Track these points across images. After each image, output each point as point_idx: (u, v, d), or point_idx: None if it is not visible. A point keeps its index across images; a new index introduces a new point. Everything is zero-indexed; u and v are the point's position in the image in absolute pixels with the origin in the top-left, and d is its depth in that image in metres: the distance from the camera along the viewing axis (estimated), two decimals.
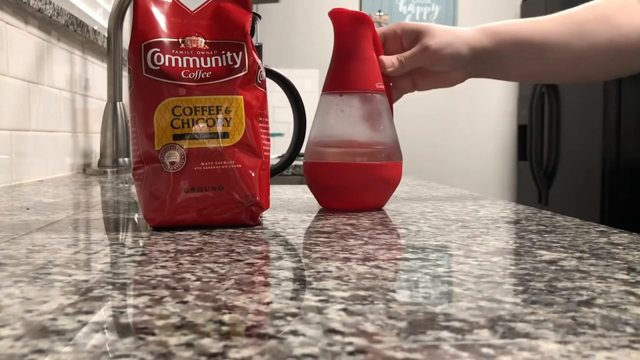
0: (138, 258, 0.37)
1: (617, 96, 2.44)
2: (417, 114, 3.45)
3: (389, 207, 0.65)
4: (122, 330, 0.23)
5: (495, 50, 0.69)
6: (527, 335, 0.23)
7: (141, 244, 0.42)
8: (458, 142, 3.52)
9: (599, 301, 0.28)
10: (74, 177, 1.12)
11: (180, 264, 0.36)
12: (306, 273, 0.34)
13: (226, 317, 0.25)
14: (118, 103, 1.27)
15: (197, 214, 0.49)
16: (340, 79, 0.63)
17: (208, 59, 0.50)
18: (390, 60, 0.67)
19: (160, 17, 0.50)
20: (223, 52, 0.50)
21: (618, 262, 0.37)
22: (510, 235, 0.48)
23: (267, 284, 0.31)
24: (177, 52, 0.49)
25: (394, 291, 0.30)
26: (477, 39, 0.69)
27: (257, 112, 0.51)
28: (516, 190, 3.46)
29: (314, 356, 0.21)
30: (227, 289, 0.30)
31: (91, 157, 1.37)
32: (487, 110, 3.52)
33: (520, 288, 0.31)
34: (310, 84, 3.41)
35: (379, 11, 3.44)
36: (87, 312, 0.26)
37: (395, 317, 0.25)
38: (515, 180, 3.50)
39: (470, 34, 0.69)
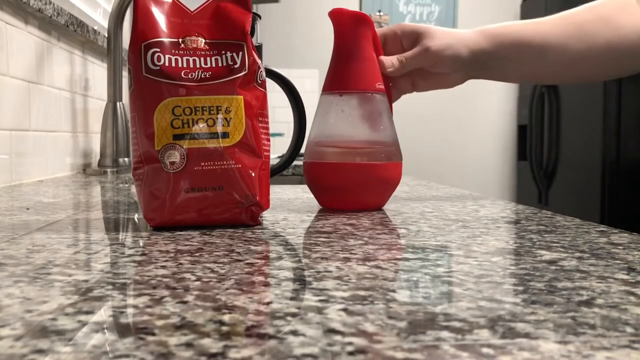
0: (138, 258, 0.37)
1: (617, 96, 2.44)
2: (417, 114, 3.45)
3: (389, 207, 0.65)
4: (122, 330, 0.23)
5: (494, 52, 0.69)
6: (527, 335, 0.23)
7: (141, 244, 0.42)
8: (458, 142, 3.52)
9: (599, 301, 0.28)
10: (74, 177, 1.12)
11: (180, 264, 0.36)
12: (306, 273, 0.34)
13: (226, 317, 0.25)
14: (118, 103, 1.27)
15: (197, 214, 0.49)
16: (340, 79, 0.63)
17: (208, 59, 0.50)
18: (390, 61, 0.67)
19: (160, 17, 0.50)
20: (223, 52, 0.50)
21: (618, 262, 0.37)
22: (510, 235, 0.48)
23: (267, 284, 0.31)
24: (177, 52, 0.49)
25: (394, 291, 0.30)
26: (476, 41, 0.69)
27: (257, 112, 0.51)
28: (516, 190, 3.46)
29: (314, 356, 0.21)
30: (227, 289, 0.30)
31: (91, 157, 1.37)
32: (487, 110, 3.52)
33: (520, 288, 0.31)
34: (310, 84, 3.41)
35: (379, 11, 3.44)
36: (87, 312, 0.26)
37: (395, 317, 0.25)
38: (515, 180, 3.50)
39: (469, 36, 0.69)
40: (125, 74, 1.38)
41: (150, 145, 0.48)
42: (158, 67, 0.48)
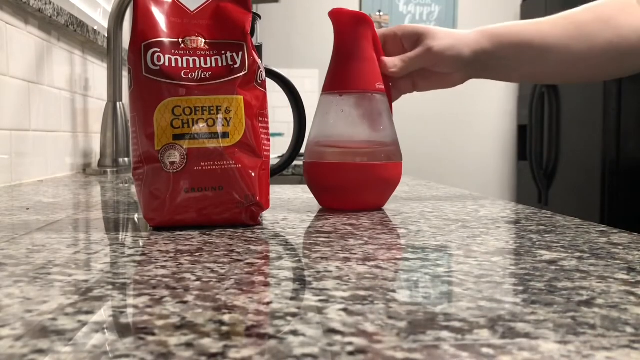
0: (138, 258, 0.37)
1: (617, 96, 2.44)
2: (417, 114, 3.45)
3: (389, 207, 0.65)
4: (122, 330, 0.23)
5: (495, 52, 0.70)
6: (527, 335, 0.23)
7: (141, 244, 0.42)
8: (458, 142, 3.52)
9: (599, 301, 0.28)
10: (74, 177, 1.12)
11: (180, 264, 0.36)
12: (306, 273, 0.34)
13: (226, 317, 0.25)
14: (118, 103, 1.27)
15: (197, 214, 0.49)
16: (340, 79, 0.63)
17: (208, 59, 0.50)
18: (393, 61, 0.67)
19: (160, 17, 0.50)
20: (223, 52, 0.50)
21: (618, 262, 0.37)
22: (510, 235, 0.48)
23: (267, 284, 0.31)
24: (177, 52, 0.49)
25: (394, 291, 0.30)
26: (477, 41, 0.70)
27: (257, 112, 0.51)
28: (516, 190, 3.46)
29: (314, 356, 0.21)
30: (227, 289, 0.30)
31: (91, 157, 1.37)
32: (487, 110, 3.52)
33: (520, 288, 0.31)
34: (310, 84, 3.41)
35: (379, 11, 3.44)
36: (87, 312, 0.26)
37: (395, 317, 0.25)
38: (515, 180, 3.50)
39: (470, 36, 0.70)
40: (125, 74, 1.38)
41: (150, 145, 0.48)
42: (158, 67, 0.48)
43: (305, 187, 0.89)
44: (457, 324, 0.24)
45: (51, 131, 1.11)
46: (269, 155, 0.53)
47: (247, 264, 0.36)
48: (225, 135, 0.49)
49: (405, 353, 0.21)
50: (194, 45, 0.50)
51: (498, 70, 0.73)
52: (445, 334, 0.23)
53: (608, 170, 2.45)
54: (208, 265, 0.35)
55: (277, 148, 3.15)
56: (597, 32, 0.70)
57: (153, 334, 0.23)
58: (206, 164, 0.48)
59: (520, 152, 3.39)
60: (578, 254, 0.39)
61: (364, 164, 0.61)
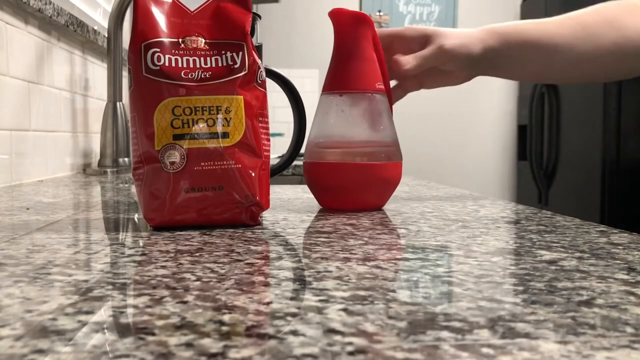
0: (138, 258, 0.37)
1: (617, 96, 2.44)
2: (417, 113, 3.45)
3: (389, 207, 0.65)
4: (122, 330, 0.23)
5: (502, 50, 0.71)
6: (527, 335, 0.23)
7: (141, 244, 0.42)
8: (458, 142, 3.52)
9: (599, 301, 0.28)
10: (74, 177, 1.12)
11: (180, 264, 0.36)
12: (306, 273, 0.34)
13: (226, 317, 0.25)
14: (118, 103, 1.27)
15: (197, 214, 0.49)
16: (340, 79, 0.63)
17: (208, 59, 0.50)
18: (407, 59, 0.68)
19: (160, 17, 0.50)
20: (223, 52, 0.50)
21: (618, 262, 0.37)
22: (510, 235, 0.48)
23: (267, 284, 0.31)
24: (177, 52, 0.49)
25: (394, 291, 0.30)
26: (485, 39, 0.71)
27: (257, 112, 0.51)
28: (516, 190, 3.46)
29: (314, 356, 0.21)
30: (227, 289, 0.30)
31: (91, 157, 1.37)
32: (487, 110, 3.52)
33: (520, 288, 0.31)
34: (310, 84, 3.41)
35: (379, 11, 3.44)
36: (87, 312, 0.26)
37: (395, 317, 0.25)
38: (515, 180, 3.50)
39: (478, 35, 0.71)
40: (125, 74, 1.38)
41: (150, 145, 0.48)
42: (158, 67, 0.48)
43: (305, 187, 0.89)
44: (457, 324, 0.24)
45: (51, 131, 1.11)
46: (269, 155, 0.53)
47: (247, 264, 0.36)
48: (225, 135, 0.49)
49: (405, 353, 0.21)
50: (194, 45, 0.50)
51: (504, 69, 0.73)
52: (445, 334, 0.23)
53: (608, 170, 2.45)
54: (208, 265, 0.35)
55: (277, 148, 3.16)
56: (603, 33, 0.70)
57: (153, 334, 0.23)
58: (206, 164, 0.48)
59: (520, 152, 3.39)
60: (578, 254, 0.39)
61: (364, 164, 0.61)
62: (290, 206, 0.66)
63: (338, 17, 0.64)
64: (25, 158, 0.99)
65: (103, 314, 0.26)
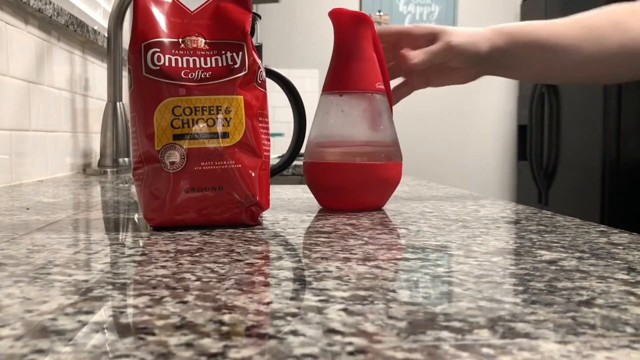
0: (138, 258, 0.37)
1: (617, 96, 2.44)
2: (417, 113, 3.45)
3: (389, 207, 0.65)
4: (122, 330, 0.23)
5: (508, 49, 0.71)
6: (527, 335, 0.23)
7: (141, 244, 0.42)
8: (458, 142, 3.52)
9: (599, 301, 0.28)
10: (74, 177, 1.12)
11: (180, 264, 0.36)
12: (306, 273, 0.34)
13: (226, 317, 0.25)
14: (118, 103, 1.27)
15: (197, 214, 0.49)
16: (340, 79, 0.63)
17: (208, 59, 0.50)
18: (414, 54, 0.68)
19: (160, 17, 0.50)
20: (223, 52, 0.50)
21: (618, 262, 0.37)
22: (510, 235, 0.48)
23: (267, 284, 0.31)
24: (177, 52, 0.49)
25: (394, 291, 0.30)
26: (492, 38, 0.72)
27: (257, 112, 0.51)
28: (516, 190, 3.46)
29: (314, 356, 0.21)
30: (227, 289, 0.30)
31: (91, 157, 1.37)
32: (487, 110, 3.52)
33: (520, 288, 0.31)
34: (310, 84, 3.41)
35: (379, 11, 3.44)
36: (87, 312, 0.26)
37: (395, 317, 0.25)
38: (515, 180, 3.50)
39: (486, 33, 0.72)
40: (125, 74, 1.38)
41: (150, 145, 0.48)
42: (158, 67, 0.48)
43: (305, 187, 0.89)
44: (457, 324, 0.24)
45: (51, 131, 1.11)
46: (269, 155, 0.53)
47: (247, 264, 0.36)
48: (225, 135, 0.49)
49: (405, 353, 0.21)
50: (194, 45, 0.50)
51: (511, 68, 0.74)
52: (445, 334, 0.23)
53: (608, 170, 2.45)
54: (208, 265, 0.35)
55: (277, 148, 3.15)
56: (608, 35, 0.71)
57: (153, 334, 0.23)
58: (206, 164, 0.48)
59: (520, 152, 3.39)
60: (578, 254, 0.39)
61: (364, 164, 0.61)
62: (290, 206, 0.66)
63: (338, 17, 0.64)
64: (25, 158, 0.99)
65: (103, 314, 0.26)
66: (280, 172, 0.69)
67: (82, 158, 1.30)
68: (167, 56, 0.49)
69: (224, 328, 0.24)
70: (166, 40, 0.49)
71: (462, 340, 0.23)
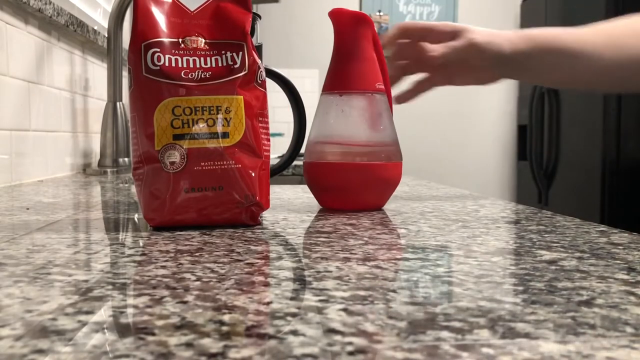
0: (138, 258, 0.37)
1: (617, 96, 2.44)
2: (417, 113, 3.45)
3: (389, 207, 0.65)
4: (122, 330, 0.23)
5: (531, 53, 0.72)
6: (527, 335, 0.23)
7: (141, 244, 0.42)
8: (458, 142, 3.52)
9: (599, 301, 0.28)
10: (74, 177, 1.12)
11: (180, 264, 0.36)
12: (306, 273, 0.34)
13: (226, 317, 0.25)
14: (118, 103, 1.27)
15: (197, 214, 0.49)
16: (340, 79, 0.63)
17: (208, 59, 0.50)
18: (435, 47, 0.69)
19: (160, 17, 0.50)
20: (223, 52, 0.50)
21: (618, 262, 0.37)
22: (510, 235, 0.48)
23: (267, 284, 0.31)
24: (177, 52, 0.49)
25: (394, 291, 0.30)
26: (515, 41, 0.72)
27: (257, 112, 0.51)
28: (516, 190, 3.46)
29: (314, 356, 0.21)
30: (227, 289, 0.30)
31: (91, 157, 1.37)
32: (487, 110, 3.52)
33: (520, 288, 0.31)
34: (310, 84, 3.41)
35: (379, 11, 3.44)
36: (87, 312, 0.26)
37: (395, 317, 0.25)
38: (515, 180, 3.50)
39: (509, 36, 0.73)
40: (125, 74, 1.38)
41: (150, 145, 0.48)
42: (158, 67, 0.48)
43: (305, 187, 0.89)
44: (457, 324, 0.24)
45: (51, 131, 1.11)
46: (269, 155, 0.53)
47: (247, 264, 0.36)
48: (225, 135, 0.49)
49: (405, 353, 0.21)
50: (194, 45, 0.50)
51: (532, 72, 0.75)
52: (445, 334, 0.23)
53: (608, 170, 2.45)
54: (208, 265, 0.35)
55: (277, 148, 3.15)
56: (631, 44, 0.72)
57: (153, 334, 0.23)
58: (206, 164, 0.48)
59: (520, 152, 3.39)
60: (578, 254, 0.39)
61: (364, 164, 0.61)
62: (290, 206, 0.66)
63: (338, 17, 0.64)
64: (25, 158, 0.99)
65: (103, 314, 0.26)
66: (280, 172, 0.69)
67: (82, 158, 1.30)
68: (167, 56, 0.49)
69: (224, 328, 0.24)
70: (166, 40, 0.49)
71: (462, 340, 0.23)
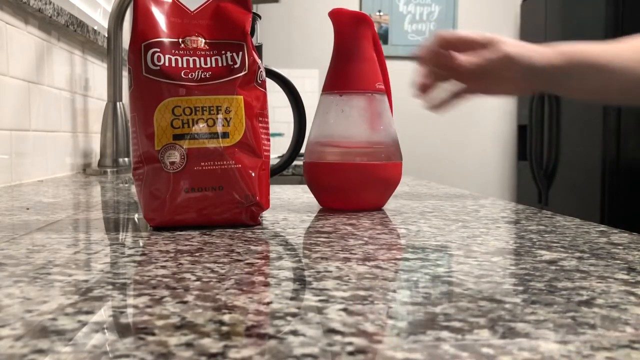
0: (138, 258, 0.37)
1: None
2: (417, 113, 3.45)
3: (389, 207, 0.65)
4: (122, 330, 0.23)
5: (563, 67, 0.73)
6: (527, 335, 0.23)
7: (141, 244, 0.42)
8: (458, 142, 3.52)
9: (599, 301, 0.28)
10: (74, 177, 1.12)
11: (180, 264, 0.36)
12: (306, 273, 0.34)
13: (226, 317, 0.25)
14: (118, 103, 1.27)
15: (197, 214, 0.49)
16: (340, 79, 0.63)
17: (208, 59, 0.50)
18: (466, 56, 0.69)
19: (160, 17, 0.50)
20: (223, 52, 0.50)
21: (618, 262, 0.37)
22: (510, 235, 0.48)
23: (267, 284, 0.31)
24: (177, 52, 0.49)
25: (394, 291, 0.30)
26: (548, 54, 0.72)
27: (257, 112, 0.51)
28: (516, 190, 3.46)
29: (314, 356, 0.21)
30: (227, 289, 0.30)
31: (91, 157, 1.37)
32: (487, 110, 3.52)
33: (520, 288, 0.31)
34: (310, 84, 3.41)
35: (379, 11, 3.44)
36: (87, 312, 0.26)
37: (395, 317, 0.25)
38: (515, 180, 3.50)
39: (540, 49, 0.73)
40: (125, 74, 1.38)
41: (150, 145, 0.48)
42: (158, 67, 0.48)
43: (305, 187, 0.89)
44: (457, 324, 0.24)
45: (51, 131, 1.11)
46: (269, 155, 0.53)
47: (247, 264, 0.36)
48: (225, 135, 0.49)
49: (405, 353, 0.21)
50: (194, 45, 0.50)
51: (564, 86, 0.75)
52: (445, 334, 0.23)
53: (608, 170, 2.45)
54: (208, 265, 0.35)
55: (277, 148, 3.15)
56: None
57: (153, 334, 0.23)
58: (206, 164, 0.48)
59: (520, 152, 3.39)
60: (578, 254, 0.39)
61: (364, 164, 0.61)
62: (290, 206, 0.66)
63: (338, 17, 0.64)
64: (25, 158, 0.99)
65: (103, 314, 0.26)
66: (280, 172, 0.69)
67: (82, 158, 1.30)
68: (167, 56, 0.49)
69: (224, 328, 0.24)
70: (166, 40, 0.49)
71: (462, 340, 0.23)
